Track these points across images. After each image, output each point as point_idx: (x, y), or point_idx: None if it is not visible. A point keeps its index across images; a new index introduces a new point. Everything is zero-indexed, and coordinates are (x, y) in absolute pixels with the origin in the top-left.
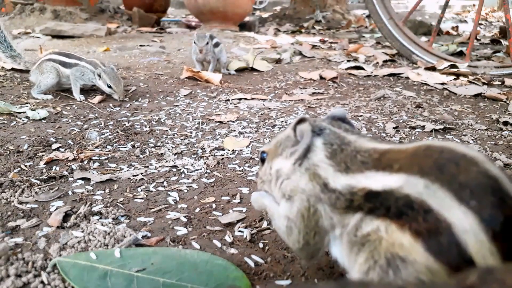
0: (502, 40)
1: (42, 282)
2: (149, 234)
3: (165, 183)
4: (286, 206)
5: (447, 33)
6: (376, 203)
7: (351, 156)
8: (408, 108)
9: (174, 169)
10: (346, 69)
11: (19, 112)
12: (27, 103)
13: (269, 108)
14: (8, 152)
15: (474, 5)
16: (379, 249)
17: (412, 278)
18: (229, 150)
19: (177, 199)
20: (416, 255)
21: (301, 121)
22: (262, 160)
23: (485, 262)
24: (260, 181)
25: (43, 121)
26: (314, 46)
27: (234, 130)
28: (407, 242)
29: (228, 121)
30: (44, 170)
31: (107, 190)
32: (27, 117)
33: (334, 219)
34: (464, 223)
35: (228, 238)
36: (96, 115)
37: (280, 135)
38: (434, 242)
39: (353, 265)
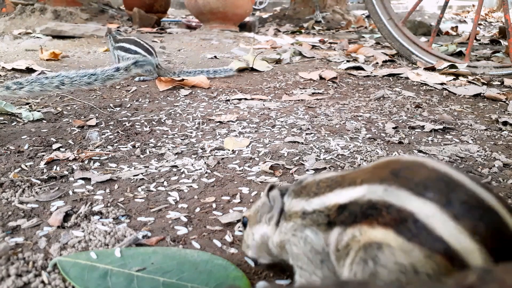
0: (501, 40)
1: (42, 281)
2: (149, 234)
3: (165, 183)
4: (291, 257)
5: (447, 33)
6: (346, 214)
7: (315, 186)
8: (408, 108)
9: (174, 169)
10: (345, 69)
11: (19, 112)
12: (27, 103)
13: (269, 108)
14: (9, 152)
15: (473, 5)
16: (359, 247)
17: (390, 263)
18: (229, 150)
19: (178, 199)
20: (390, 240)
21: (271, 188)
22: (244, 224)
23: (457, 240)
24: (244, 244)
25: (43, 121)
26: (314, 47)
27: (234, 130)
28: (379, 233)
29: (228, 121)
30: (45, 170)
31: (107, 190)
32: (28, 117)
33: (321, 239)
34: (425, 211)
35: (228, 238)
36: (97, 115)
37: (257, 202)
38: (403, 227)
39: (343, 273)
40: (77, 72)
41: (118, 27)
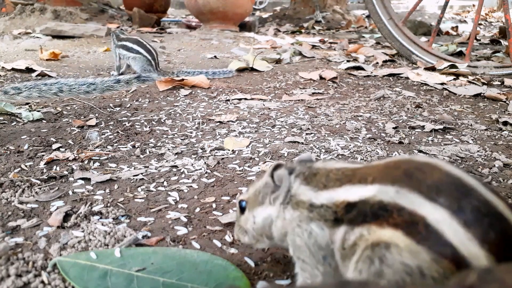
0: (501, 40)
1: (42, 282)
2: (149, 234)
3: (165, 183)
4: (292, 248)
5: (447, 33)
6: (355, 213)
7: (325, 176)
8: (408, 108)
9: (174, 169)
10: (346, 69)
11: (19, 112)
12: (26, 103)
13: (269, 108)
14: (9, 152)
15: (473, 5)
16: (366, 246)
17: (397, 263)
18: (229, 150)
19: (177, 199)
20: (399, 241)
21: (277, 167)
22: (242, 209)
23: (466, 247)
24: (240, 230)
25: (43, 121)
26: (314, 46)
27: (234, 130)
28: (388, 233)
29: (228, 121)
30: (45, 170)
31: (107, 190)
32: (28, 117)
33: (327, 235)
34: (436, 216)
35: (228, 238)
36: (97, 115)
37: (257, 183)
38: (412, 229)
39: (347, 271)
40: (76, 80)
41: (118, 27)
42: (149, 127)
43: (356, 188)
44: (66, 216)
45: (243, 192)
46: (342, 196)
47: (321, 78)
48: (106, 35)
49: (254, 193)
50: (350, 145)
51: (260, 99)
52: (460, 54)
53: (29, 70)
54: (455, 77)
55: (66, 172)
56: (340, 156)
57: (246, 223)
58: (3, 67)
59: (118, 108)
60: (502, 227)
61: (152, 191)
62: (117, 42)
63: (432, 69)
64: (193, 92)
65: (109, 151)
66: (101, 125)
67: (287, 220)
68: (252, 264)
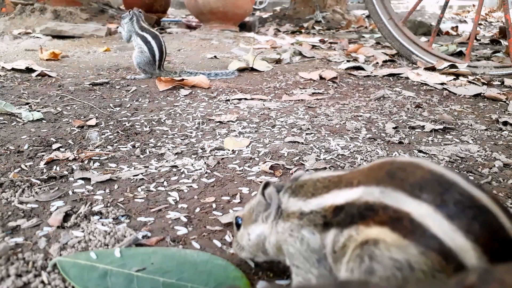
0: (501, 40)
1: (42, 281)
2: (149, 234)
3: (165, 183)
4: (287, 257)
5: (447, 33)
6: (343, 215)
7: (313, 186)
8: (408, 108)
9: (174, 169)
10: (346, 69)
11: (19, 112)
12: (27, 103)
13: (269, 108)
14: (9, 152)
15: (473, 5)
16: (355, 245)
17: (386, 258)
18: (229, 150)
19: (177, 199)
20: (386, 236)
21: (266, 186)
22: (238, 226)
23: (451, 239)
24: (238, 246)
25: (43, 121)
26: (314, 46)
27: (234, 130)
28: (376, 231)
29: (228, 121)
30: (45, 170)
31: (107, 190)
32: (28, 117)
33: (318, 240)
34: (420, 211)
35: (228, 238)
36: (97, 115)
37: (252, 201)
38: (398, 224)
39: (339, 273)
40: None
41: (118, 27)
42: (149, 127)
43: (343, 192)
44: (66, 216)
45: (241, 209)
46: (330, 201)
47: (321, 78)
48: (106, 35)
49: (249, 210)
50: (350, 145)
51: (260, 99)
52: (460, 54)
53: (29, 70)
54: (455, 77)
55: (66, 172)
56: (340, 156)
57: (242, 239)
58: (3, 67)
59: (118, 108)
60: (486, 218)
61: (152, 191)
62: (138, 30)
63: (432, 69)
64: (193, 92)
65: (109, 151)
66: (101, 125)
67: (279, 233)
68: (252, 264)
